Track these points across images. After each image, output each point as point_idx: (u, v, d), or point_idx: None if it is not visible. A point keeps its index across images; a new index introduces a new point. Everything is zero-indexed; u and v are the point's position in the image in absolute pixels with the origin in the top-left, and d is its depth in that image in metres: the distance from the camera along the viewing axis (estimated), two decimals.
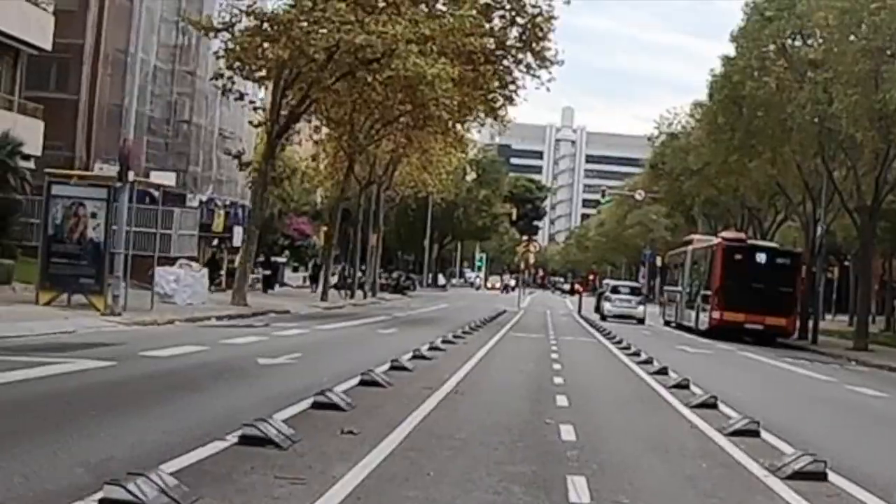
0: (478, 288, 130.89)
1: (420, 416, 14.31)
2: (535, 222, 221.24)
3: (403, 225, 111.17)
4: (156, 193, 63.24)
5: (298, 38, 40.27)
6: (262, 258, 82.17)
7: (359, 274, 79.93)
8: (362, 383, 17.24)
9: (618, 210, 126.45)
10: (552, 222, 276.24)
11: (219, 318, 37.74)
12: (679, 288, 59.98)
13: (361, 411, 14.18)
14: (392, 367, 20.23)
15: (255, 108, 47.04)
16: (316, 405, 14.17)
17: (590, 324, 53.33)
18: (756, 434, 14.56)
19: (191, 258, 54.92)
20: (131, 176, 32.85)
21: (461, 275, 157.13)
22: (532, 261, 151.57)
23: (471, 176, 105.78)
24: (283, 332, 31.89)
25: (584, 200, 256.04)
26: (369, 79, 41.14)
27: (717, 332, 48.73)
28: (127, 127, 35.31)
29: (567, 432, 13.80)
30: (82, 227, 33.90)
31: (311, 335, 31.64)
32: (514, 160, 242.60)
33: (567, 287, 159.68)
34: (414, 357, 23.29)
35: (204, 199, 67.17)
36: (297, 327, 34.47)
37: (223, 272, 68.56)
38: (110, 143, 58.68)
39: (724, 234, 56.97)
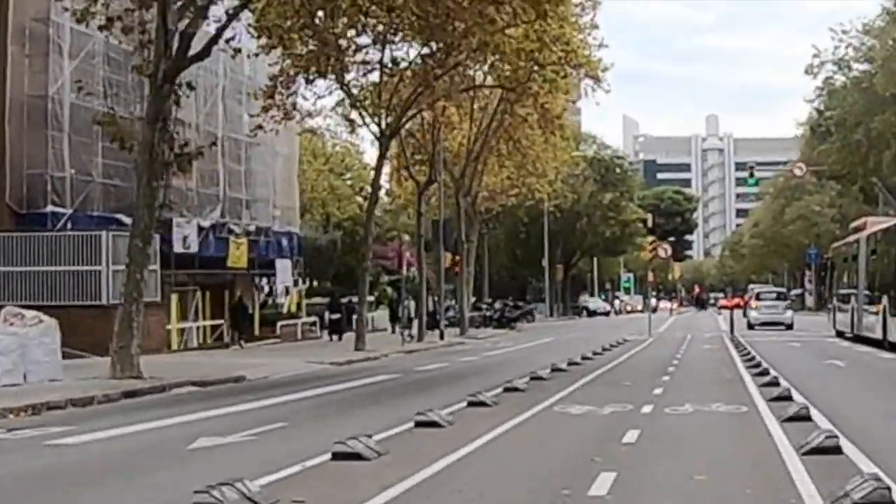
0: (618, 312, 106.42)
1: None
2: (687, 236, 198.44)
3: (518, 244, 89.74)
4: (126, 219, 44.14)
5: None
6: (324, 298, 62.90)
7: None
8: None
9: (773, 205, 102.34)
10: (706, 236, 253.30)
11: None
12: (854, 289, 42.70)
13: None
14: None
15: (141, 46, 26.57)
16: None
17: (746, 358, 31.33)
18: None
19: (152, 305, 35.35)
20: None
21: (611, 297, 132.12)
22: (678, 274, 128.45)
23: (586, 171, 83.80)
24: None
25: (738, 210, 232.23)
26: None
27: None
28: None
29: None
30: None
31: None
32: (660, 175, 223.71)
33: (722, 302, 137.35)
34: None
35: (205, 223, 47.25)
36: None
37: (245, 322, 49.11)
38: (35, 149, 39.51)
39: None
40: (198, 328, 48.47)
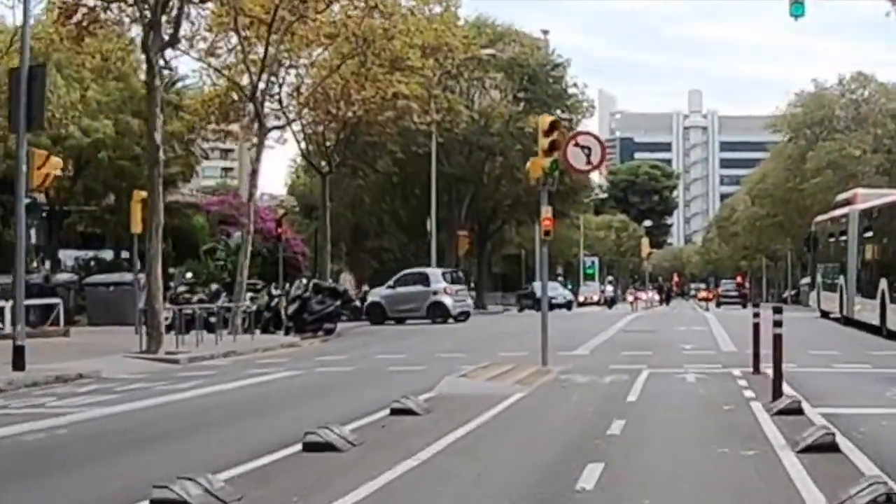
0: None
1: None
2: (666, 218, 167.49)
3: (397, 198, 56.32)
4: None
5: None
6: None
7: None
8: None
9: (789, 149, 66.51)
10: (687, 222, 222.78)
11: None
12: (843, 268, 36.96)
13: None
14: None
15: None
16: None
17: None
18: None
19: None
20: None
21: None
22: (646, 252, 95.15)
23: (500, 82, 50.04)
24: None
25: (722, 195, 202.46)
26: None
27: None
28: None
29: None
30: None
31: None
32: (638, 154, 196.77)
33: (702, 294, 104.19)
34: None
35: None
36: None
37: None
38: None
39: None
40: None
